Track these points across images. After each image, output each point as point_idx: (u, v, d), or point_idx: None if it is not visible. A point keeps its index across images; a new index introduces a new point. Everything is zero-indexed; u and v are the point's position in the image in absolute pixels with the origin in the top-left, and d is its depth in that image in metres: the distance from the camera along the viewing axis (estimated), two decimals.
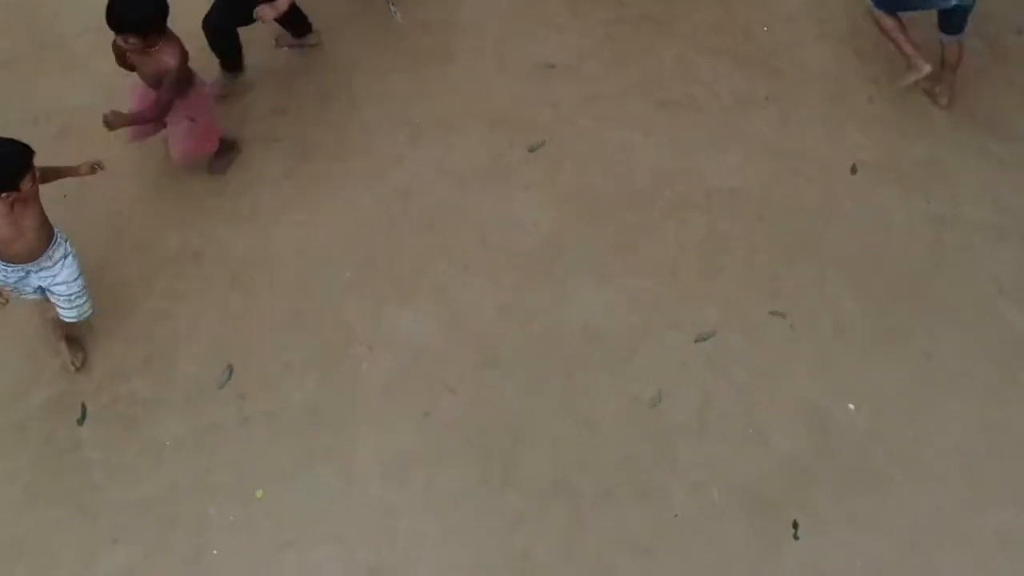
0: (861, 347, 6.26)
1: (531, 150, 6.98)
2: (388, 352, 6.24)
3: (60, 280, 5.70)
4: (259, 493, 5.78)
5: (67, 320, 5.94)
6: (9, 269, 5.59)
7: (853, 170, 6.90)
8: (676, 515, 5.75)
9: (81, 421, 5.97)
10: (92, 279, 6.23)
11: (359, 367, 6.17)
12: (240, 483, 5.82)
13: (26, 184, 5.20)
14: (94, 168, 5.87)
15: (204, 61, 6.91)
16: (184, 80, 6.30)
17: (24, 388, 6.07)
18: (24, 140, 5.28)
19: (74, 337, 6.16)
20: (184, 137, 6.49)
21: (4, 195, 5.19)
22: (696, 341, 6.22)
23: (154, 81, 6.23)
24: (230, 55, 7.17)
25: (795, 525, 5.69)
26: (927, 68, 6.80)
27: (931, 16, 6.90)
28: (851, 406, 6.03)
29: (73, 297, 5.80)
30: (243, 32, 7.02)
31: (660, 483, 5.85)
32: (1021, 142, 7.05)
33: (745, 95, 7.29)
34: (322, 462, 5.89)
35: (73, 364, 6.08)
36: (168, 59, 6.09)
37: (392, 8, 7.57)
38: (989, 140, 7.07)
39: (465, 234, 6.65)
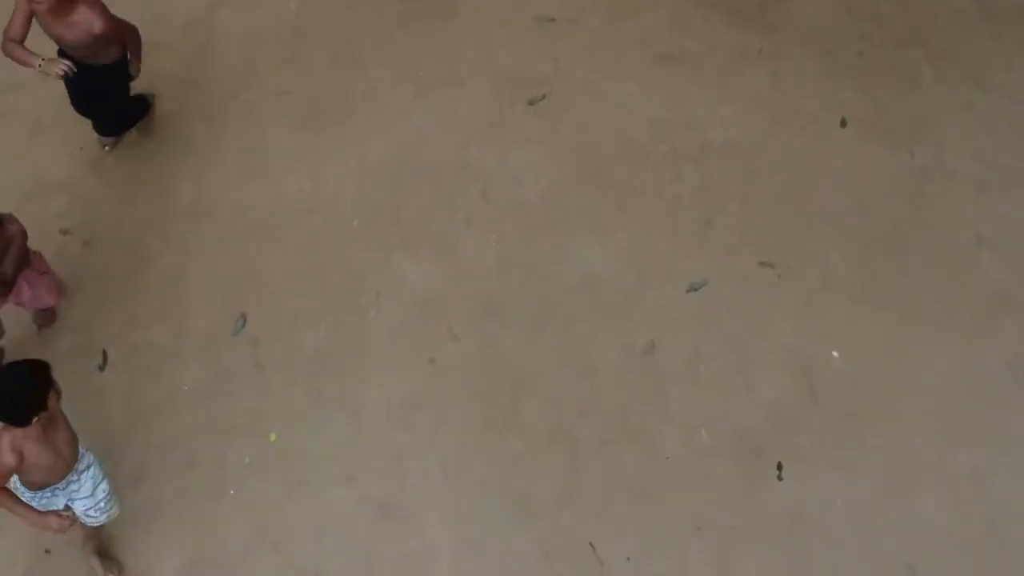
0: (845, 297, 6.49)
1: (531, 103, 7.16)
2: (394, 300, 6.47)
3: (86, 492, 5.19)
4: (272, 436, 6.06)
5: (98, 523, 5.40)
6: (37, 495, 5.11)
7: (843, 124, 7.08)
8: (667, 458, 6.03)
9: (102, 368, 6.24)
10: (109, 236, 6.48)
11: (367, 314, 6.42)
12: (255, 426, 6.10)
13: (52, 400, 4.78)
14: None
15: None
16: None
17: (50, 335, 6.31)
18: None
19: (105, 550, 5.72)
20: (47, 292, 6.00)
21: (36, 419, 4.73)
22: (688, 291, 6.45)
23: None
24: (123, 115, 6.93)
25: (779, 467, 5.98)
26: None
27: None
28: (835, 354, 6.28)
29: (102, 503, 5.29)
30: None
31: (653, 428, 6.12)
32: (1005, 96, 7.22)
33: (739, 50, 7.45)
34: (333, 405, 6.16)
35: None
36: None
37: None
38: (974, 94, 7.24)
39: (468, 186, 6.86)
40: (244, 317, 6.36)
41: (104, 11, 6.11)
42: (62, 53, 6.29)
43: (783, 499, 5.94)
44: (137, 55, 6.53)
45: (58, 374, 6.11)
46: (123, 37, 6.35)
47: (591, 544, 5.79)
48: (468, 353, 6.33)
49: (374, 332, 6.38)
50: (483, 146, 7.01)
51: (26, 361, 4.82)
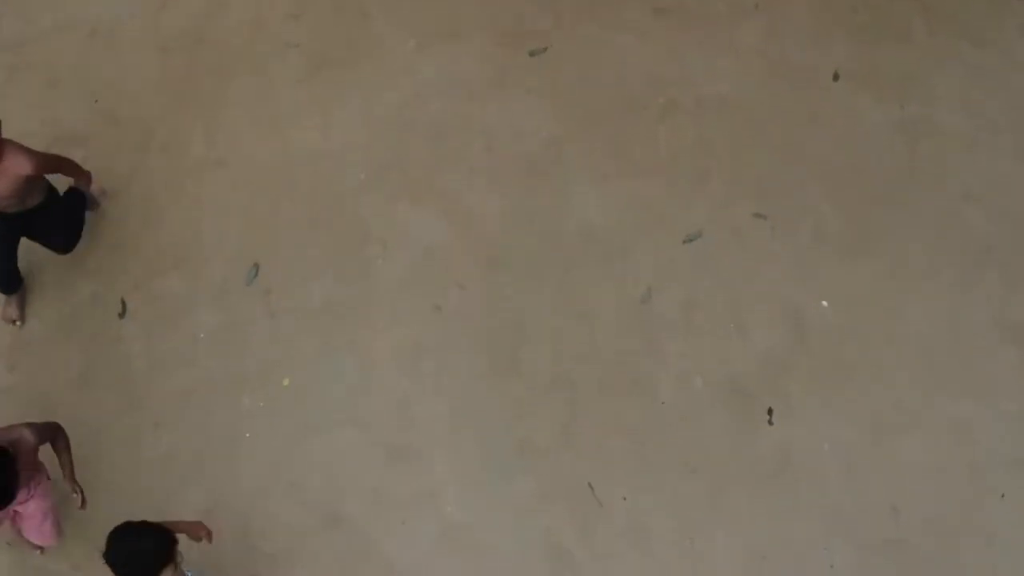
0: (836, 247, 6.66)
1: (532, 55, 7.28)
2: (401, 250, 6.65)
3: None
4: (285, 382, 6.29)
5: None
6: None
7: (835, 77, 7.20)
8: (663, 402, 6.27)
9: (122, 315, 6.47)
10: (124, 187, 6.71)
11: (374, 264, 6.60)
12: (268, 372, 6.33)
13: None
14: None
15: None
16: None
17: (70, 284, 6.51)
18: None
19: None
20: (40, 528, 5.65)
21: None
22: (684, 241, 6.63)
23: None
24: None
25: (770, 412, 6.22)
26: None
27: None
28: (824, 303, 6.48)
29: None
30: None
31: (649, 374, 6.35)
32: (995, 49, 7.31)
33: (736, 3, 7.50)
34: (342, 352, 6.39)
35: None
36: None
37: None
38: (965, 47, 7.32)
39: (471, 138, 6.99)
40: (256, 267, 6.55)
41: (28, 150, 5.56)
42: None
43: (773, 442, 6.20)
44: (83, 176, 6.14)
45: (78, 322, 6.41)
46: (57, 168, 5.91)
47: (590, 485, 6.06)
48: (472, 301, 6.53)
49: (381, 281, 6.56)
50: (485, 99, 7.12)
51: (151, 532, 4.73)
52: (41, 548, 5.81)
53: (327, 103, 7.13)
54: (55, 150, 6.79)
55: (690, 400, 6.29)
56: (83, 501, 5.41)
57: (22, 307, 6.40)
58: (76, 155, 6.79)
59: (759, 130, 7.03)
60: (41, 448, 5.17)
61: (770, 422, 6.21)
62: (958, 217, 6.78)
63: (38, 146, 6.77)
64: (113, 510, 5.88)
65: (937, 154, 6.96)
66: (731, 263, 6.62)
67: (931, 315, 6.54)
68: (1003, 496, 6.01)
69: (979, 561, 5.94)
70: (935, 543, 5.98)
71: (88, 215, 6.50)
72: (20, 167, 5.47)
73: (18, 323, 6.38)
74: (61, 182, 6.17)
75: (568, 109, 7.10)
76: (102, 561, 4.62)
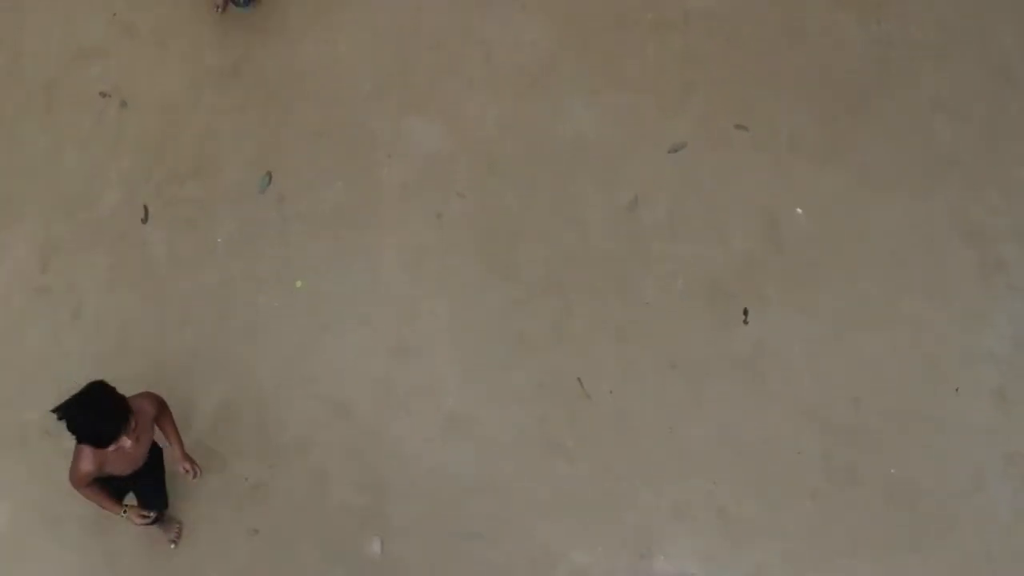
0: (810, 157, 6.75)
1: None
2: (405, 159, 6.75)
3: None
4: (299, 283, 6.46)
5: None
6: None
7: None
8: (647, 303, 6.44)
9: (144, 220, 6.64)
10: (144, 98, 6.76)
11: (380, 172, 6.71)
12: (282, 275, 6.48)
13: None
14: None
15: None
16: None
17: (95, 192, 6.63)
18: None
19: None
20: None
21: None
22: (669, 152, 6.74)
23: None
24: None
25: (745, 312, 6.41)
26: None
27: None
28: (799, 210, 6.61)
29: None
30: None
31: (635, 276, 6.50)
32: None
33: None
34: (351, 255, 6.54)
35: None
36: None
37: None
38: None
39: (471, 51, 7.04)
40: (270, 175, 6.67)
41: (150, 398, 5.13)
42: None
43: (748, 339, 6.38)
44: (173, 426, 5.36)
45: (105, 227, 6.56)
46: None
47: (579, 379, 6.29)
48: (470, 207, 6.65)
49: (387, 189, 6.68)
50: (485, 12, 7.14)
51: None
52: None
53: (332, 15, 7.14)
54: (78, 64, 6.90)
55: (672, 300, 6.45)
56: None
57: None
58: (98, 67, 6.91)
59: (743, 44, 7.05)
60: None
61: (745, 322, 6.39)
62: (925, 126, 6.83)
63: (61, 62, 6.92)
64: None
65: (908, 67, 6.99)
66: (713, 172, 6.71)
67: (896, 219, 6.65)
68: (957, 390, 6.26)
69: (931, 446, 6.15)
70: (892, 430, 6.19)
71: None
72: (148, 421, 5.05)
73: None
74: None
75: (562, 23, 7.11)
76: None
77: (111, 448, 4.58)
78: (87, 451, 4.79)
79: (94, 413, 4.53)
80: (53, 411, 4.50)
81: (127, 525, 5.30)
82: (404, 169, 6.76)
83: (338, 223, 6.63)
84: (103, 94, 6.81)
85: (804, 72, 7.00)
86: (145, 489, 5.49)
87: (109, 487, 5.17)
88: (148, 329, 6.38)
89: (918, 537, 6.01)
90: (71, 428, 4.51)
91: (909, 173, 6.76)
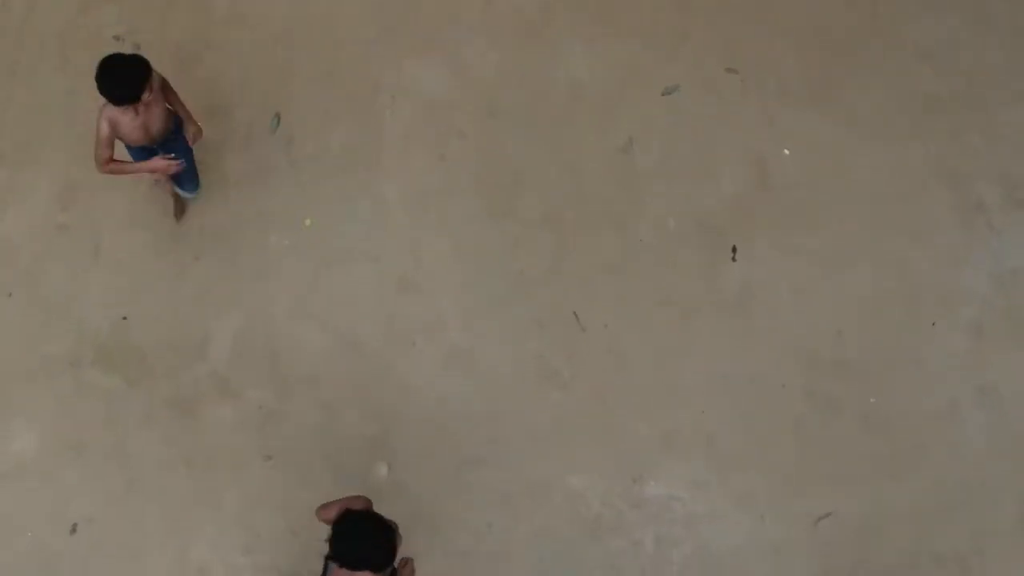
0: (798, 101, 6.75)
1: None
2: (408, 102, 6.74)
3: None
4: (307, 222, 6.49)
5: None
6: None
7: None
8: (640, 240, 6.49)
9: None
10: (156, 41, 6.74)
11: (384, 115, 6.71)
12: (292, 214, 6.51)
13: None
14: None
15: None
16: None
17: None
18: None
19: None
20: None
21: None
22: (663, 95, 6.74)
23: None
24: None
25: (734, 250, 6.45)
26: None
27: None
28: (786, 151, 6.63)
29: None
30: None
31: (629, 215, 6.54)
32: None
33: None
34: (357, 195, 6.56)
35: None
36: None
37: None
38: None
39: None
40: (278, 117, 6.67)
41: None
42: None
43: (736, 276, 6.43)
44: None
45: None
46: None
47: (575, 314, 6.36)
48: (471, 149, 6.66)
49: (390, 131, 6.68)
50: None
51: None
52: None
53: None
54: (91, 8, 6.89)
55: (664, 239, 6.49)
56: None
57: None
58: (111, 12, 6.89)
59: None
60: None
61: (733, 259, 6.44)
62: (910, 73, 6.83)
63: (75, 7, 6.90)
64: (158, 337, 6.29)
65: (897, 13, 6.97)
66: (705, 114, 6.71)
67: (880, 162, 6.66)
68: (933, 324, 6.34)
69: (909, 379, 6.24)
70: (873, 364, 6.27)
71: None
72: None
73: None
74: None
75: None
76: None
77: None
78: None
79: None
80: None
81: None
82: (407, 112, 6.74)
83: (345, 164, 6.63)
84: (116, 37, 6.76)
85: (793, 16, 6.97)
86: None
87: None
88: (164, 266, 6.42)
89: (895, 465, 6.11)
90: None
91: (894, 117, 6.76)
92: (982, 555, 5.97)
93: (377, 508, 5.91)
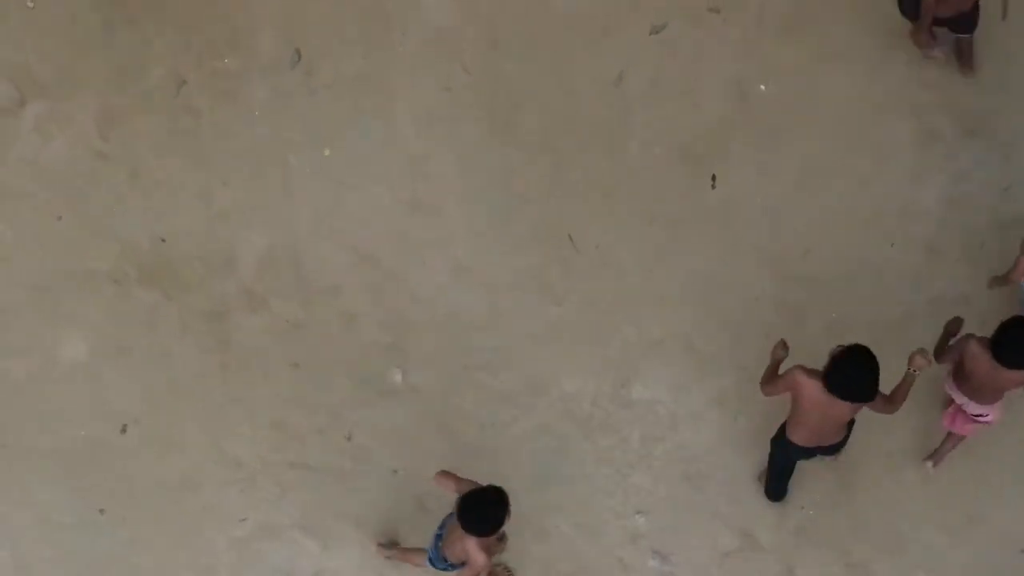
0: (774, 34, 6.49)
1: None
2: (415, 35, 6.49)
3: None
4: (326, 151, 6.34)
5: None
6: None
7: None
8: (630, 164, 6.35)
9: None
10: None
11: (396, 47, 6.47)
12: (312, 140, 6.35)
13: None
14: None
15: None
16: None
17: (139, 66, 6.41)
18: None
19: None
20: None
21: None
22: (651, 34, 6.51)
23: None
24: None
25: (713, 178, 6.33)
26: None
27: None
28: (762, 87, 6.44)
29: None
30: None
31: (619, 141, 6.39)
32: None
33: None
34: (371, 122, 6.39)
35: None
36: None
37: None
38: None
39: None
40: (299, 51, 6.41)
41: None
42: None
43: (716, 196, 6.34)
44: None
45: (150, 101, 6.43)
46: None
47: (569, 236, 6.29)
48: (476, 78, 6.46)
49: (401, 61, 6.46)
50: None
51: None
52: None
53: None
54: None
55: (651, 164, 6.36)
56: None
57: None
58: None
59: None
60: None
61: (713, 187, 6.35)
62: (879, 6, 6.49)
63: None
64: (191, 253, 6.25)
65: None
66: (689, 49, 6.47)
67: (847, 88, 6.45)
68: (892, 245, 6.27)
69: (868, 292, 6.24)
70: (836, 278, 6.24)
71: None
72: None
73: None
74: None
75: None
76: None
77: None
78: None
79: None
80: None
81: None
82: (416, 43, 6.50)
83: (359, 93, 6.43)
84: None
85: None
86: None
87: None
88: (195, 189, 6.30)
89: None
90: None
91: (863, 47, 6.50)
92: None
93: (392, 408, 6.05)
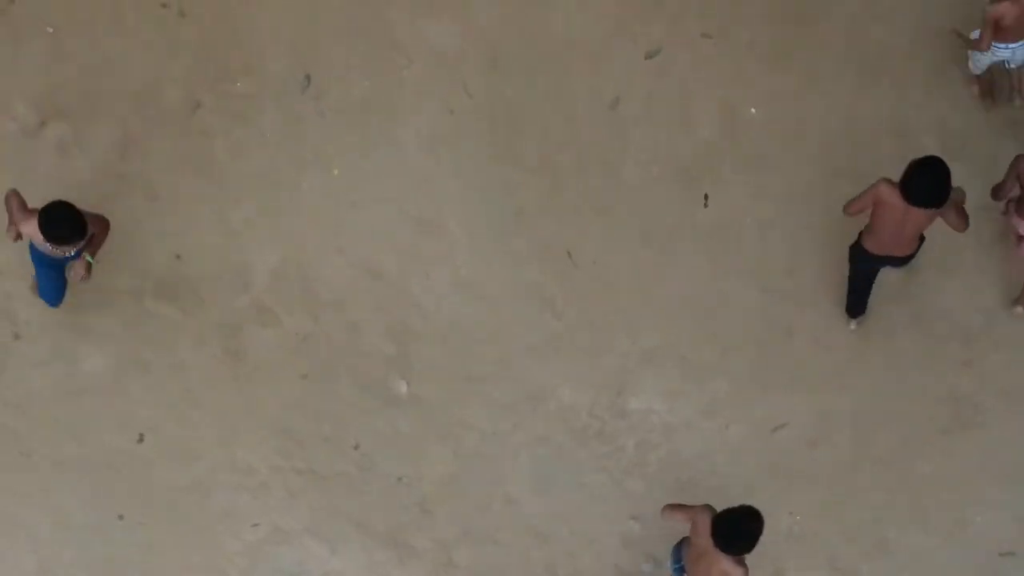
0: (764, 60, 6.69)
1: None
2: (420, 60, 6.68)
3: None
4: (335, 171, 6.52)
5: None
6: None
7: None
8: (626, 184, 6.54)
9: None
10: (198, 7, 6.68)
11: (401, 72, 6.66)
12: (321, 161, 6.53)
13: None
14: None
15: None
16: None
17: (156, 89, 6.59)
18: None
19: None
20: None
21: None
22: (646, 58, 6.71)
23: None
24: None
25: (706, 197, 6.52)
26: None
27: None
28: (753, 110, 6.65)
29: None
30: None
31: (616, 161, 6.58)
32: None
33: None
34: (378, 143, 6.57)
35: None
36: None
37: None
38: None
39: None
40: (308, 77, 6.60)
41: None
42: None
43: (708, 215, 6.54)
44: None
45: (167, 123, 6.58)
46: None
47: (568, 253, 6.45)
48: (477, 101, 6.64)
49: (406, 85, 6.65)
50: None
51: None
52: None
53: None
54: None
55: (646, 183, 6.54)
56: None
57: None
58: None
59: None
60: None
61: (705, 205, 6.53)
62: (861, 30, 6.76)
63: None
64: (206, 269, 6.40)
65: None
66: (683, 73, 6.67)
67: (833, 112, 6.65)
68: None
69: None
70: (820, 292, 6.46)
71: None
72: None
73: None
74: None
75: None
76: None
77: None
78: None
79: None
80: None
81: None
82: (420, 68, 6.69)
83: (366, 116, 6.61)
84: (163, 5, 6.67)
85: None
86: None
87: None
88: (210, 206, 6.47)
89: (843, 376, 6.39)
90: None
91: (846, 74, 6.72)
92: (914, 460, 6.25)
93: (396, 417, 6.22)
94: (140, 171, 6.52)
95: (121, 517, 6.12)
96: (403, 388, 6.32)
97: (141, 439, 6.17)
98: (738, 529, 4.99)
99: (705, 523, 5.07)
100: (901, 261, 5.95)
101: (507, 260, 6.50)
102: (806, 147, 6.67)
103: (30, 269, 6.01)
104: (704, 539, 5.07)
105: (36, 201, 5.54)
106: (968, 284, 6.53)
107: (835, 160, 6.62)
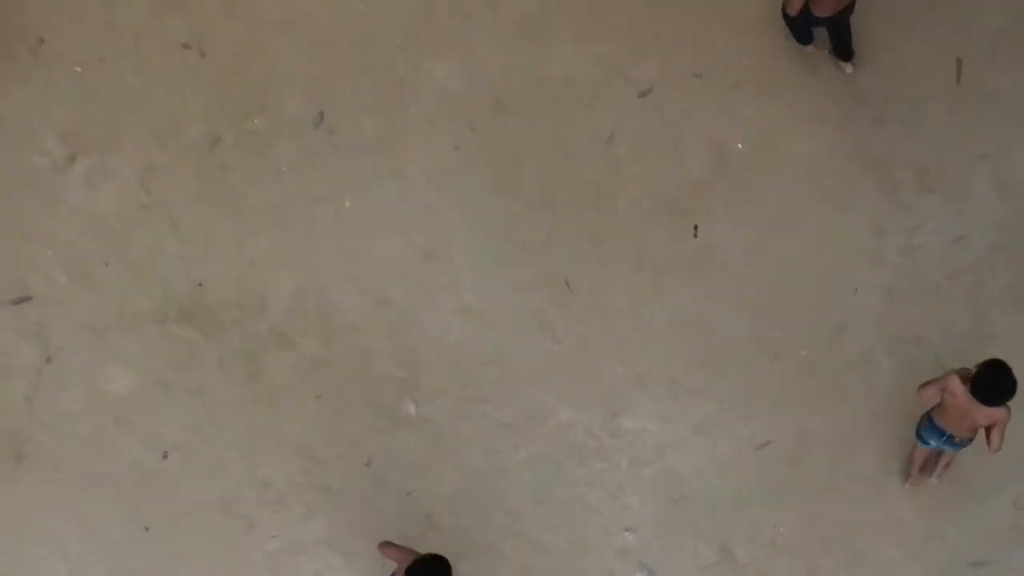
0: (750, 97, 6.96)
1: None
2: (427, 98, 6.95)
3: None
4: (347, 203, 6.81)
5: None
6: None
7: None
8: (620, 217, 6.84)
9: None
10: (219, 48, 6.93)
11: (409, 110, 6.94)
12: (334, 194, 6.80)
13: None
14: None
15: None
16: None
17: (178, 125, 6.85)
18: None
19: None
20: None
21: None
22: (639, 96, 6.99)
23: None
24: None
25: (695, 228, 6.81)
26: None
27: None
28: (739, 145, 6.93)
29: None
30: None
31: (609, 195, 6.86)
32: None
33: None
34: (387, 178, 6.85)
35: None
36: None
37: None
38: None
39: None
40: (322, 114, 6.89)
41: None
42: None
43: (698, 245, 6.82)
44: None
45: (188, 157, 6.82)
46: None
47: (566, 281, 6.76)
48: (481, 139, 6.92)
49: (414, 123, 6.92)
50: None
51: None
52: None
53: None
54: (161, 17, 6.96)
55: (638, 215, 6.82)
56: None
57: None
58: (179, 21, 6.97)
59: None
60: None
61: (695, 236, 6.82)
62: (843, 73, 7.05)
63: (146, 16, 7.03)
64: (225, 296, 6.69)
65: None
66: (672, 111, 6.95)
67: (816, 146, 6.90)
68: (856, 289, 6.78)
69: (834, 331, 6.74)
70: (805, 317, 6.75)
71: None
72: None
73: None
74: None
75: None
76: None
77: None
78: None
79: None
80: None
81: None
82: (427, 106, 6.95)
83: (376, 151, 6.88)
84: (185, 46, 6.93)
85: (748, 21, 7.08)
86: None
87: None
88: (228, 237, 6.74)
89: (823, 398, 6.70)
90: None
91: (827, 108, 6.98)
92: (888, 476, 6.59)
93: (406, 436, 6.52)
94: (163, 202, 6.81)
95: (147, 529, 6.44)
96: (412, 409, 6.63)
97: (166, 456, 6.47)
98: (996, 384, 5.49)
99: (958, 385, 5.60)
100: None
101: (509, 288, 6.80)
102: (790, 179, 6.94)
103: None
104: (963, 399, 5.60)
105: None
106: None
107: (817, 191, 6.91)
